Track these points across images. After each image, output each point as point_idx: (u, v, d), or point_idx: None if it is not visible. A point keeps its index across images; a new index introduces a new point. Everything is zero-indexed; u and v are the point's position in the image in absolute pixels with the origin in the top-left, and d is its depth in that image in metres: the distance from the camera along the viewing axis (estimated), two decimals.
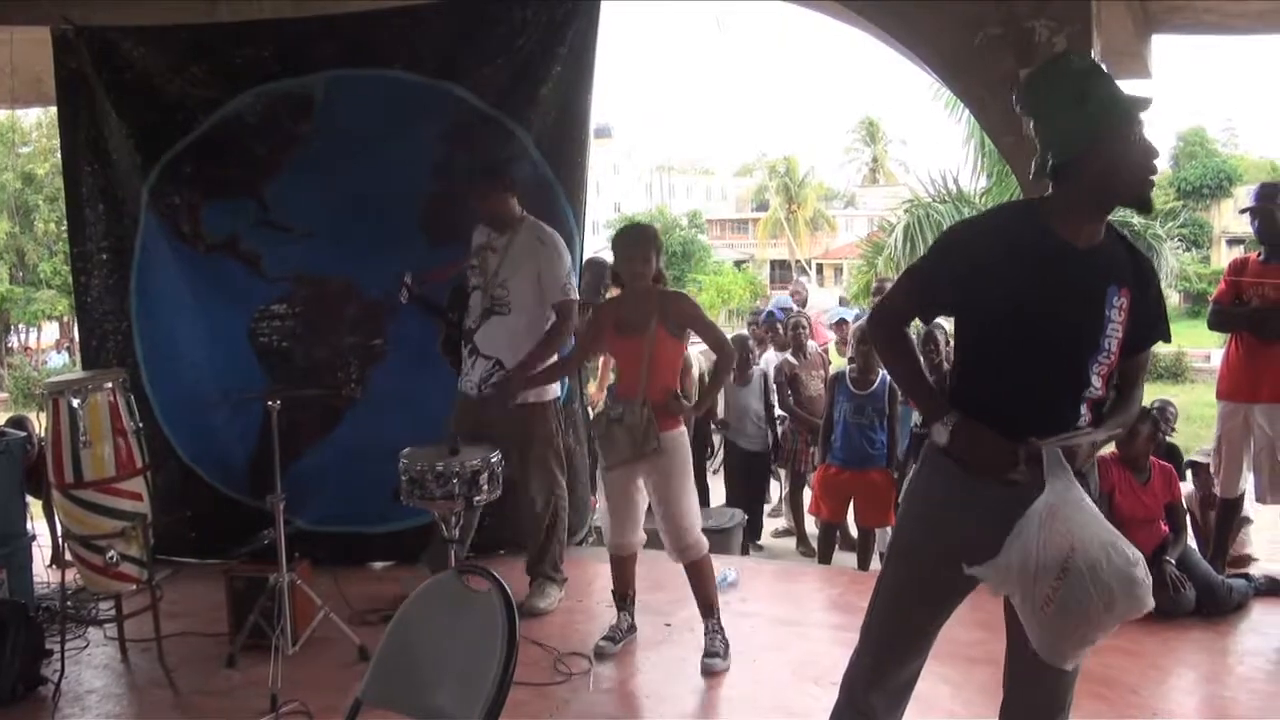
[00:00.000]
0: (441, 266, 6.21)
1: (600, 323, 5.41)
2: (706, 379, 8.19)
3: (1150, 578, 2.80)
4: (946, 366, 7.34)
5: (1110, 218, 2.98)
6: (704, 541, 5.22)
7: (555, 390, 5.98)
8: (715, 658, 5.18)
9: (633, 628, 5.53)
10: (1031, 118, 2.99)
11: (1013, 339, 2.92)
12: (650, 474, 5.17)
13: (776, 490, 10.59)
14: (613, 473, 5.23)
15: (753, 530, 8.71)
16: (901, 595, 3.24)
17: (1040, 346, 2.91)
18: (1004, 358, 2.96)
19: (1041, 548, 2.73)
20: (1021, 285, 2.88)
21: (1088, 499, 2.81)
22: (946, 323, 7.05)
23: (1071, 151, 2.87)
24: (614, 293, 5.80)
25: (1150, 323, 3.06)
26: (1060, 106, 2.89)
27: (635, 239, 5.26)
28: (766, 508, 10.08)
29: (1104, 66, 2.91)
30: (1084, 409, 2.98)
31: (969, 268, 2.95)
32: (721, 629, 5.25)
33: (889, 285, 9.46)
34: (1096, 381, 2.97)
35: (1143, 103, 2.87)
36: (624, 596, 5.52)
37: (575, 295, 5.85)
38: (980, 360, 3.04)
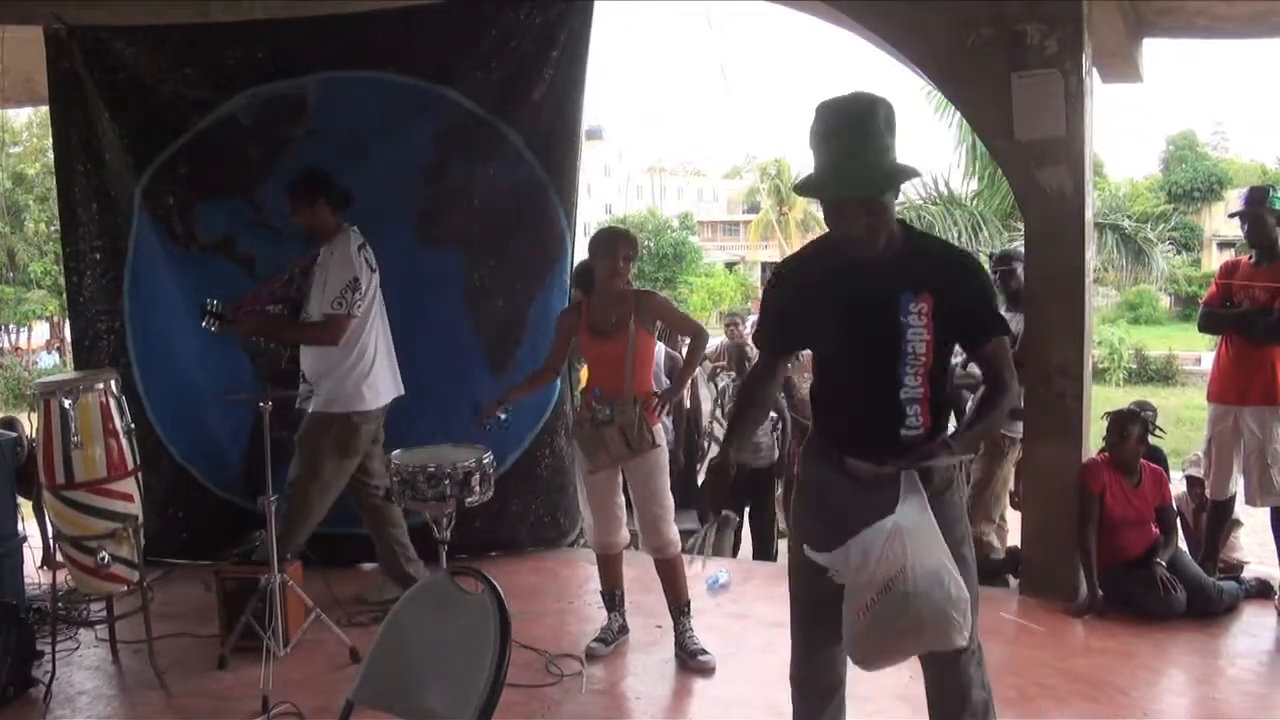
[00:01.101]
0: (256, 293, 6.07)
1: (568, 328, 5.46)
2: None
3: (967, 619, 2.91)
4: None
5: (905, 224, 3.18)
6: (679, 539, 5.32)
7: (351, 406, 5.82)
8: (706, 654, 5.26)
9: (624, 629, 5.54)
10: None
11: (825, 355, 3.28)
12: (634, 472, 5.23)
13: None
14: (598, 475, 5.25)
15: (764, 549, 8.54)
16: (803, 593, 3.41)
17: (846, 357, 3.18)
18: (825, 372, 3.32)
19: (876, 562, 2.87)
20: (818, 306, 3.15)
21: (934, 526, 2.94)
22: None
23: (803, 189, 3.05)
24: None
25: (969, 319, 3.16)
26: (811, 144, 2.99)
27: (612, 241, 5.30)
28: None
29: (848, 132, 2.90)
30: (911, 410, 3.15)
31: (780, 303, 3.34)
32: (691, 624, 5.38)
33: None
34: (912, 381, 3.13)
35: (840, 187, 2.96)
36: (612, 595, 5.54)
37: (346, 311, 5.67)
38: (816, 378, 3.40)
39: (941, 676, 3.32)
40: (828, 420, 3.35)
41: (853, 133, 2.91)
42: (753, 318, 12.61)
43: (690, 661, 5.25)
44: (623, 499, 5.43)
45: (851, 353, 3.14)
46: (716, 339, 9.40)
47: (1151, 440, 6.30)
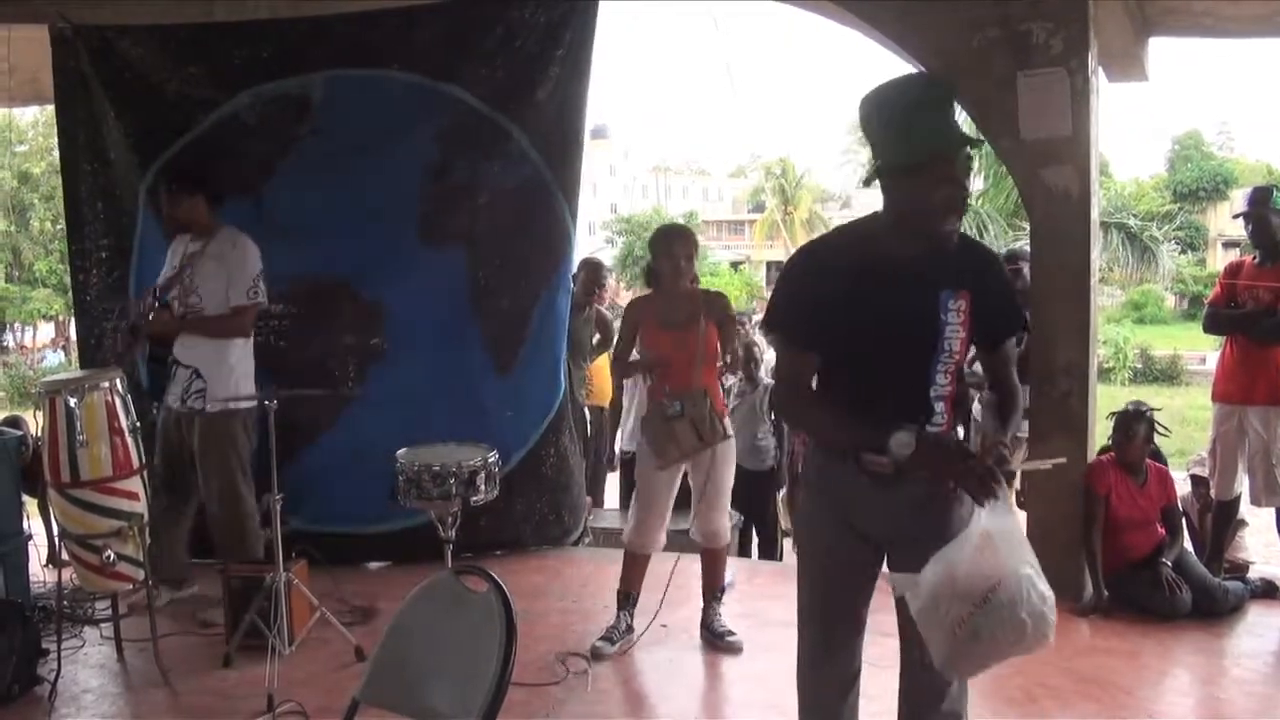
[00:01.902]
0: (143, 298, 6.14)
1: (636, 320, 5.48)
2: None
3: (1055, 613, 2.86)
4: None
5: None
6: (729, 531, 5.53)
7: (239, 405, 5.86)
8: (734, 635, 5.44)
9: (630, 629, 5.54)
10: (865, 130, 3.07)
11: (856, 349, 3.05)
12: (700, 463, 5.31)
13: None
14: (665, 471, 5.27)
15: (768, 549, 8.53)
16: (819, 589, 3.36)
17: (881, 353, 3.04)
18: (852, 367, 3.09)
19: (967, 573, 2.78)
20: (854, 299, 3.00)
21: (1020, 527, 2.91)
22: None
23: (890, 168, 2.98)
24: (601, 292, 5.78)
25: (999, 317, 3.19)
26: (888, 124, 2.96)
27: (680, 238, 5.36)
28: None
29: (939, 99, 2.96)
30: (939, 406, 3.13)
31: (814, 291, 3.10)
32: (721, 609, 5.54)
33: None
34: (942, 380, 3.11)
35: (963, 139, 2.96)
36: (628, 596, 5.54)
37: (259, 300, 5.84)
38: (835, 373, 3.14)
39: (930, 677, 3.26)
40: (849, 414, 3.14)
41: (932, 97, 2.99)
42: (758, 317, 12.62)
43: (719, 643, 5.41)
44: (672, 501, 5.47)
45: (887, 349, 3.04)
46: None
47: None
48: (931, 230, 2.99)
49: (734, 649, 5.38)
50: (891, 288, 3.00)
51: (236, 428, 5.84)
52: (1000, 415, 3.24)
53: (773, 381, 3.37)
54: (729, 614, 5.60)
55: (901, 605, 3.09)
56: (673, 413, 5.13)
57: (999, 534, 2.82)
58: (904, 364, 3.08)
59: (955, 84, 2.99)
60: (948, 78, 2.97)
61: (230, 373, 5.79)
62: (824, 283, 3.07)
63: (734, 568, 6.60)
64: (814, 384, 3.20)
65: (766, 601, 5.99)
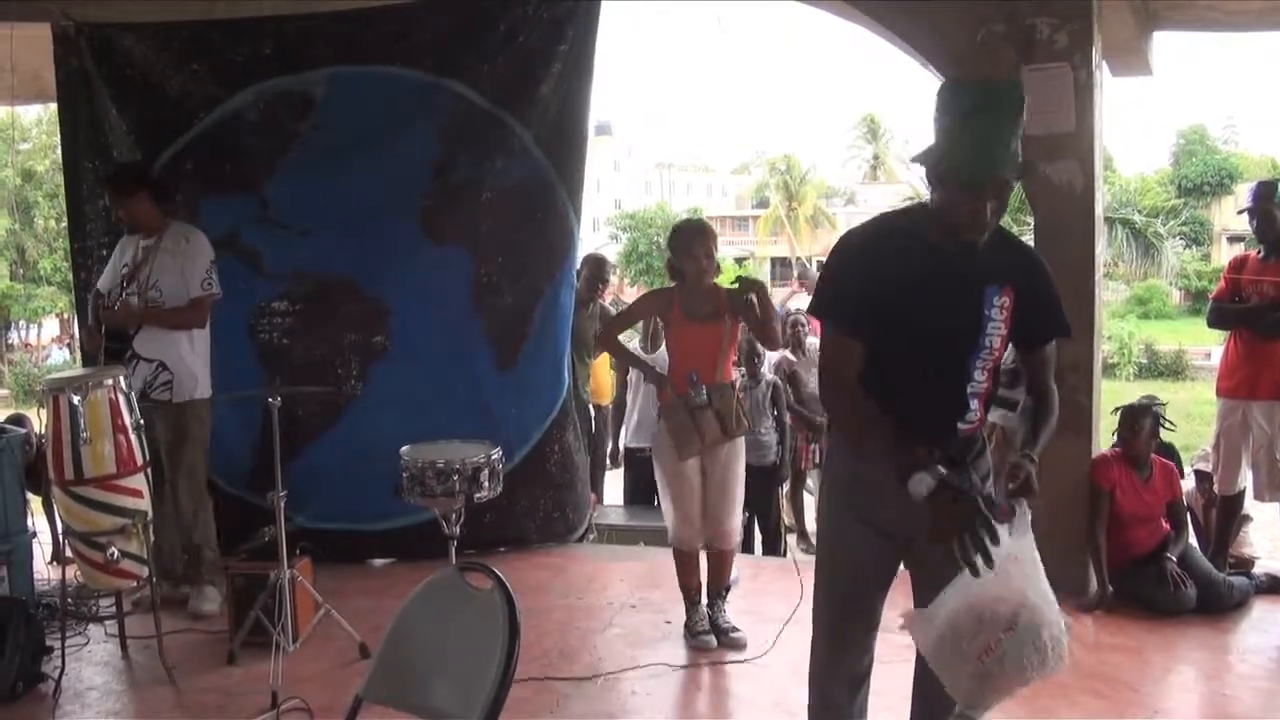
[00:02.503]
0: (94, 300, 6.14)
1: (655, 309, 5.61)
2: None
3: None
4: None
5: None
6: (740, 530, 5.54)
7: (208, 389, 5.99)
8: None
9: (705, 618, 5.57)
10: (936, 118, 3.00)
11: (896, 340, 3.01)
12: (717, 458, 5.33)
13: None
14: (687, 462, 5.27)
15: (771, 545, 8.54)
16: (838, 587, 3.34)
17: (921, 346, 3.03)
18: (889, 358, 3.04)
19: (994, 598, 2.76)
20: (899, 289, 2.98)
21: (1037, 556, 2.87)
22: None
23: (935, 166, 2.95)
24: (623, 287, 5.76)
25: (1041, 318, 3.20)
26: (941, 122, 2.94)
27: (699, 237, 5.35)
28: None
29: (999, 116, 2.88)
30: (973, 403, 3.15)
31: (864, 278, 3.05)
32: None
33: None
34: (979, 376, 3.13)
35: (994, 171, 2.87)
36: (689, 588, 5.56)
37: (214, 291, 5.91)
38: (873, 363, 3.06)
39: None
40: (879, 405, 3.04)
41: (1003, 114, 2.89)
42: None
43: (723, 639, 5.42)
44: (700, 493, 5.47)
45: (928, 342, 3.03)
46: None
47: (1163, 435, 6.29)
48: (952, 234, 2.97)
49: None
50: (938, 280, 2.99)
51: (205, 415, 5.98)
52: (1034, 422, 3.25)
53: (817, 369, 3.29)
54: (732, 610, 5.60)
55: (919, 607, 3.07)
56: (700, 402, 5.15)
57: (1023, 558, 2.80)
58: (944, 358, 3.07)
59: (1017, 104, 2.90)
60: (1020, 89, 2.91)
61: (195, 363, 5.90)
62: (872, 270, 3.03)
63: (738, 564, 6.59)
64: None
65: (770, 598, 5.98)
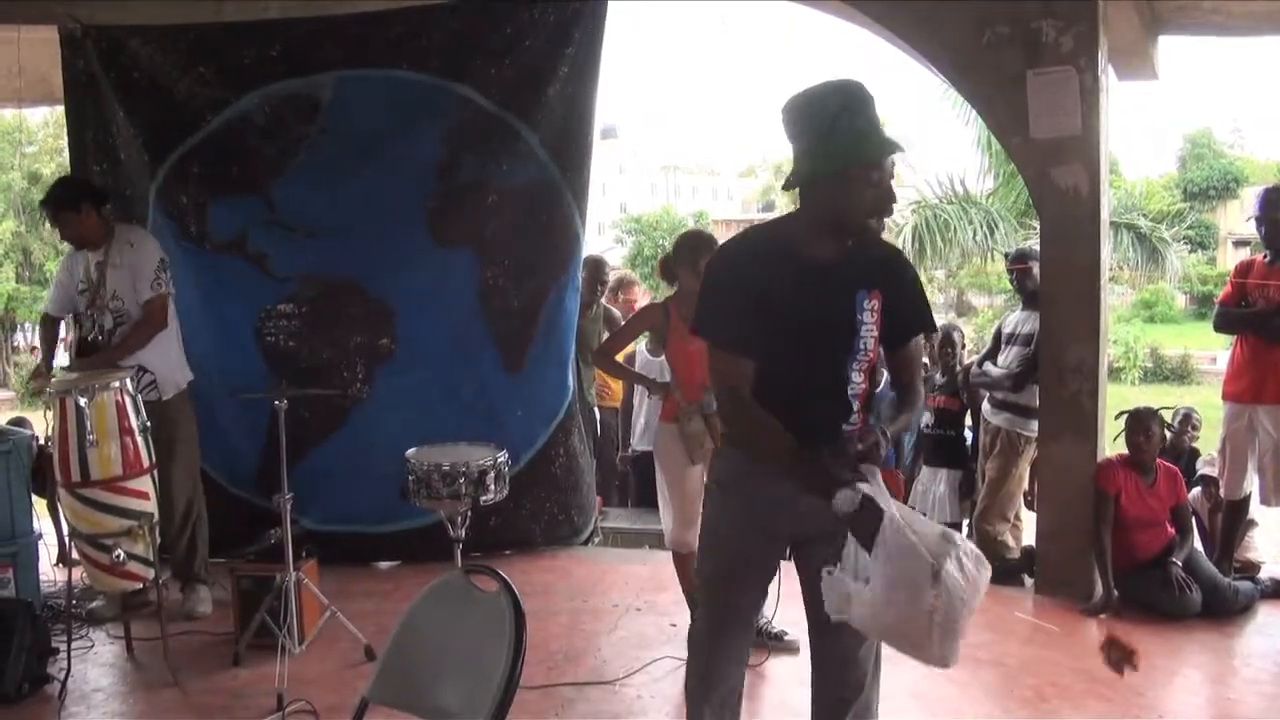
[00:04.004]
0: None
1: (656, 324, 5.50)
2: None
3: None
4: (959, 368, 7.36)
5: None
6: None
7: (188, 373, 6.02)
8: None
9: None
10: (789, 136, 3.11)
11: (777, 350, 3.09)
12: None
13: None
14: (696, 466, 5.27)
15: None
16: (725, 594, 3.40)
17: (801, 354, 3.12)
18: (773, 368, 3.11)
19: (909, 565, 2.81)
20: (776, 300, 3.07)
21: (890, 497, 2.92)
22: (965, 326, 7.09)
23: (813, 174, 3.04)
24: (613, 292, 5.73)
25: (908, 316, 3.29)
26: (812, 131, 3.03)
27: (692, 253, 5.29)
28: None
29: (863, 104, 3.01)
30: (855, 405, 3.21)
31: (741, 294, 3.11)
32: None
33: None
34: (857, 378, 3.20)
35: (891, 146, 3.02)
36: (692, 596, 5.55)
37: (166, 289, 5.83)
38: (756, 375, 3.12)
39: (845, 673, 3.41)
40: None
41: (868, 103, 3.03)
42: None
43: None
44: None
45: (807, 350, 3.12)
46: None
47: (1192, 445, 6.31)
48: (856, 231, 3.08)
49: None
50: (811, 288, 3.09)
51: (191, 407, 6.01)
52: (895, 410, 3.37)
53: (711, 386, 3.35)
54: None
55: (812, 610, 3.26)
56: (710, 409, 5.12)
57: (901, 511, 2.87)
58: (824, 364, 3.16)
59: (871, 91, 3.04)
60: (865, 83, 3.01)
61: (170, 355, 5.91)
62: (748, 285, 3.11)
63: None
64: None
65: (772, 601, 5.98)
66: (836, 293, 3.12)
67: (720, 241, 5.45)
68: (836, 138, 2.98)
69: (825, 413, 3.16)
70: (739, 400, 3.11)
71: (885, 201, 3.05)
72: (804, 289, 3.07)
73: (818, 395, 3.15)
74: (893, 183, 3.05)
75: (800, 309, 3.07)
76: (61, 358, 6.45)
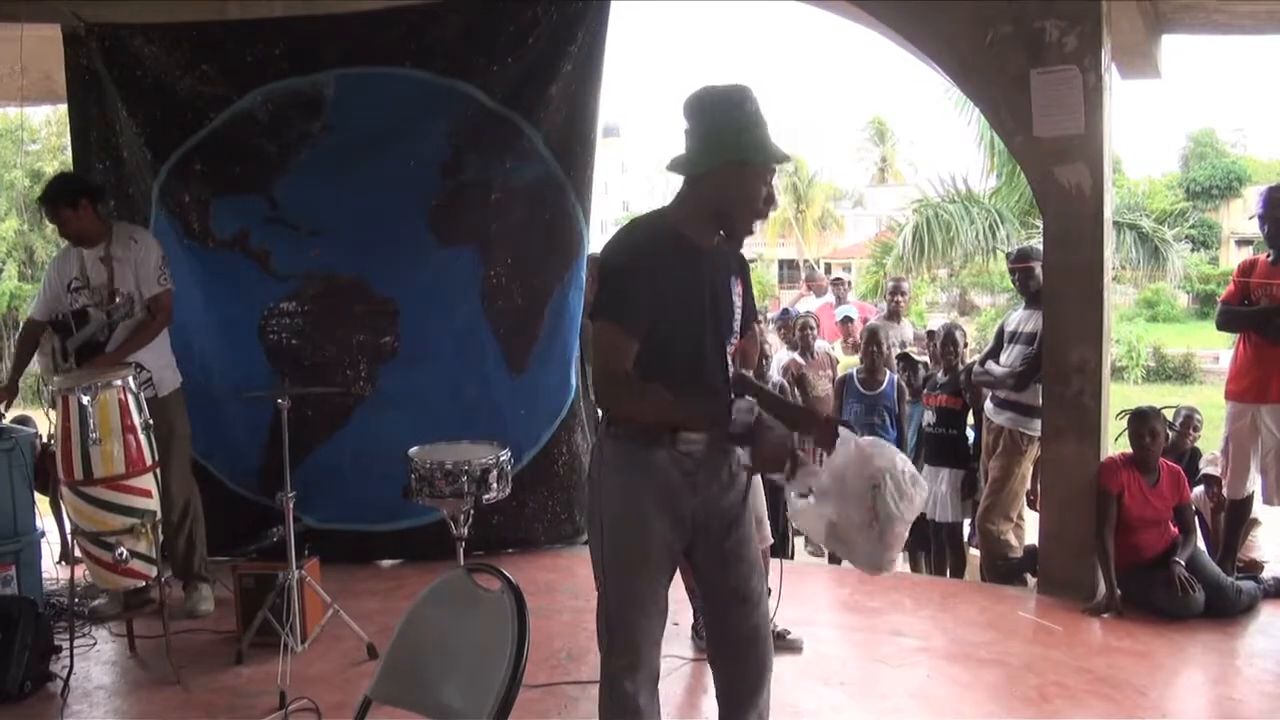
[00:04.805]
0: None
1: None
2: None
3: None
4: (961, 366, 7.35)
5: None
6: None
7: (179, 375, 6.04)
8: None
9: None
10: (692, 123, 3.30)
11: (677, 332, 3.27)
12: None
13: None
14: None
15: (779, 546, 8.52)
16: (640, 576, 3.39)
17: (697, 335, 3.33)
18: (673, 350, 3.27)
19: (850, 475, 3.30)
20: (674, 283, 3.24)
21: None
22: (968, 325, 7.10)
23: (716, 163, 3.22)
24: None
25: (751, 306, 3.58)
26: (723, 124, 3.23)
27: None
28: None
29: (762, 112, 3.27)
30: (730, 381, 3.45)
31: (645, 278, 3.23)
32: None
33: (903, 284, 9.40)
34: (728, 357, 3.44)
35: (785, 155, 3.31)
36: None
37: (170, 285, 5.87)
38: (652, 360, 3.23)
39: (747, 659, 3.53)
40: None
41: (759, 107, 3.28)
42: (772, 314, 12.53)
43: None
44: None
45: (700, 331, 3.32)
46: None
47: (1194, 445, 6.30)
48: (745, 224, 3.32)
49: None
50: (698, 273, 3.30)
51: (184, 403, 6.02)
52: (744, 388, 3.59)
53: (596, 372, 3.44)
54: None
55: (710, 591, 3.48)
56: None
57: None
58: (712, 343, 3.36)
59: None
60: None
61: (165, 353, 5.94)
62: (650, 270, 3.24)
63: None
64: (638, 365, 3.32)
65: (775, 600, 5.98)
66: (716, 275, 3.36)
67: None
68: (745, 134, 3.20)
69: (720, 388, 3.38)
70: (619, 377, 3.21)
71: (771, 202, 3.32)
72: (695, 272, 3.29)
73: (713, 371, 3.37)
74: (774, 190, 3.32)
75: (694, 291, 3.29)
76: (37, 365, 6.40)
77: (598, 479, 3.41)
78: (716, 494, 3.37)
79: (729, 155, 3.19)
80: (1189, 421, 7.39)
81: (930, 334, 8.50)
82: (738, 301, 3.42)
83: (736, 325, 3.42)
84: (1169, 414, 6.73)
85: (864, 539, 3.31)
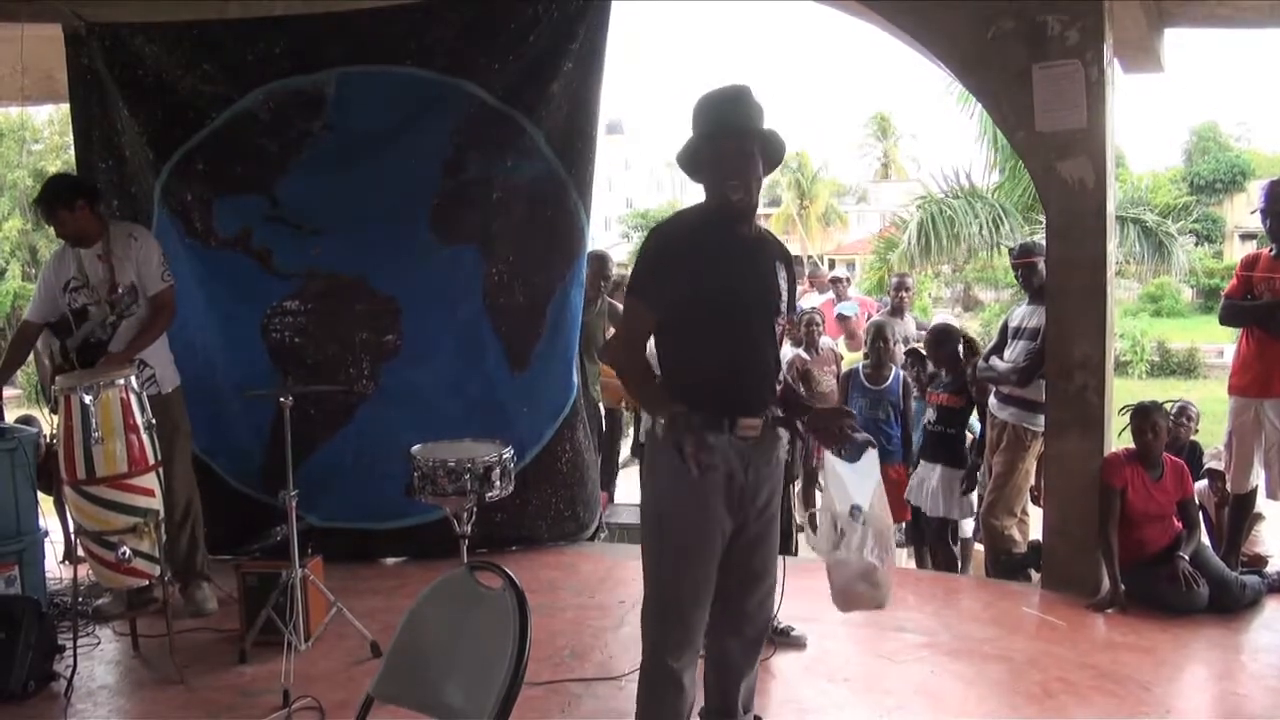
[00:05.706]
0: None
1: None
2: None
3: None
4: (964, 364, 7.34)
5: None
6: None
7: (178, 374, 6.01)
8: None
9: None
10: (692, 128, 3.55)
11: (718, 321, 3.46)
12: None
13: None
14: None
15: (782, 543, 8.52)
16: (698, 562, 3.54)
17: (744, 322, 3.52)
18: (712, 340, 3.46)
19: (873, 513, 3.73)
20: (719, 267, 3.45)
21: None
22: (972, 320, 7.07)
23: (684, 158, 3.57)
24: None
25: (794, 293, 3.77)
26: (694, 124, 3.53)
27: None
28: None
29: (741, 98, 3.53)
30: (778, 365, 3.67)
31: (686, 262, 3.46)
32: None
33: (907, 280, 9.41)
34: (777, 341, 3.68)
35: (740, 119, 3.49)
36: None
37: (172, 281, 5.85)
38: (692, 347, 3.49)
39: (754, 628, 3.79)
40: (716, 387, 3.46)
41: (749, 100, 3.54)
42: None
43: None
44: None
45: (748, 316, 3.52)
46: None
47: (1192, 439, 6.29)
48: (728, 191, 3.43)
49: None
50: (746, 258, 3.53)
51: (184, 401, 6.00)
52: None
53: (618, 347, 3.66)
54: None
55: (729, 565, 3.60)
56: None
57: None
58: (761, 328, 3.57)
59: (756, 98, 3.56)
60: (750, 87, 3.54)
61: (168, 352, 5.94)
62: (673, 254, 3.50)
63: None
64: (673, 351, 3.58)
65: (781, 596, 5.98)
66: (763, 261, 3.58)
67: None
68: (710, 114, 3.47)
69: (768, 374, 3.58)
70: (635, 350, 3.57)
71: (733, 166, 3.42)
72: (740, 257, 3.51)
73: (762, 359, 3.56)
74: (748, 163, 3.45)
75: (739, 275, 3.49)
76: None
77: (654, 465, 3.60)
78: (765, 476, 3.58)
79: (697, 138, 3.47)
80: (1183, 413, 7.40)
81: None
82: (784, 285, 3.61)
83: (783, 304, 3.61)
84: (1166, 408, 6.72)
85: (884, 572, 3.78)
